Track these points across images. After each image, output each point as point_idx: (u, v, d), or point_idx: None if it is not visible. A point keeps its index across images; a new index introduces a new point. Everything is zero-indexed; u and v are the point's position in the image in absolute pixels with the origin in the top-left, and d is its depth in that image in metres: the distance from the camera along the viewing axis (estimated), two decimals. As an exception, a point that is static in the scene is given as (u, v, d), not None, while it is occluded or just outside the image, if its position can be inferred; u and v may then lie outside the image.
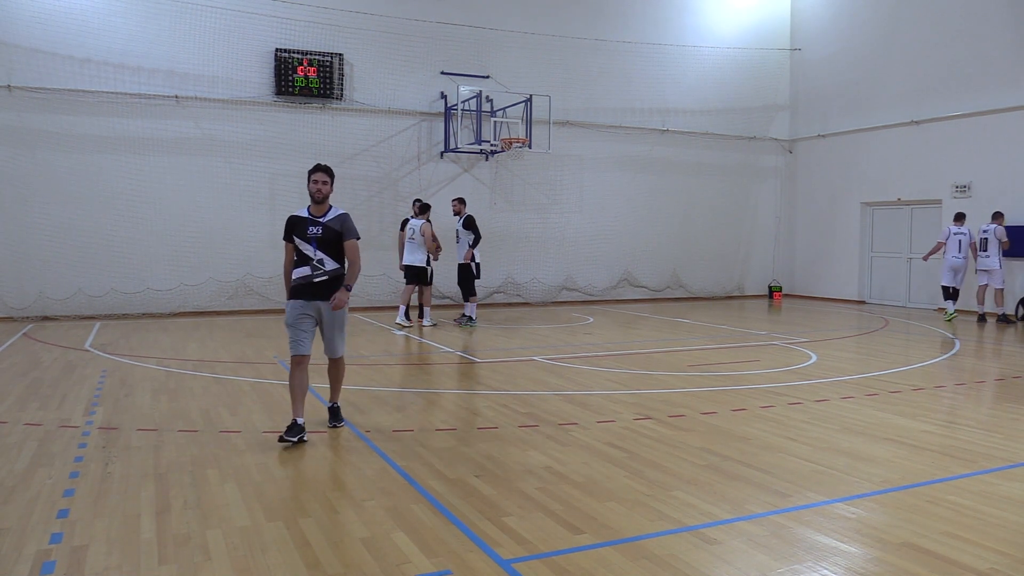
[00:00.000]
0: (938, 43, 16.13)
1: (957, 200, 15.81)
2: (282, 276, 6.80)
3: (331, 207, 5.90)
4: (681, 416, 6.56)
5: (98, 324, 13.17)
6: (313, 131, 15.22)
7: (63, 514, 4.22)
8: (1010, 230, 14.37)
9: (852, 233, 18.28)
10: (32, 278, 13.56)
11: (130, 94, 14.02)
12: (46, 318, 13.58)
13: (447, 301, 16.14)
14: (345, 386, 8.04)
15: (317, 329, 5.92)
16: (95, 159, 13.90)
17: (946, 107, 15.98)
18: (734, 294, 19.56)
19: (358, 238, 5.94)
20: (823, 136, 18.94)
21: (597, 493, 4.59)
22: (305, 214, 5.85)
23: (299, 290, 5.78)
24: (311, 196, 5.80)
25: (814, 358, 9.79)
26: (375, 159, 15.86)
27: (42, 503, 4.39)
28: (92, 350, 10.26)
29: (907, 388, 7.85)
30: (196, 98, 14.43)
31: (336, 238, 5.79)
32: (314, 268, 5.75)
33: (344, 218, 5.88)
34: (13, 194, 13.43)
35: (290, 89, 14.92)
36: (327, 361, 6.15)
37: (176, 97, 14.31)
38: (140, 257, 14.18)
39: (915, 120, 16.57)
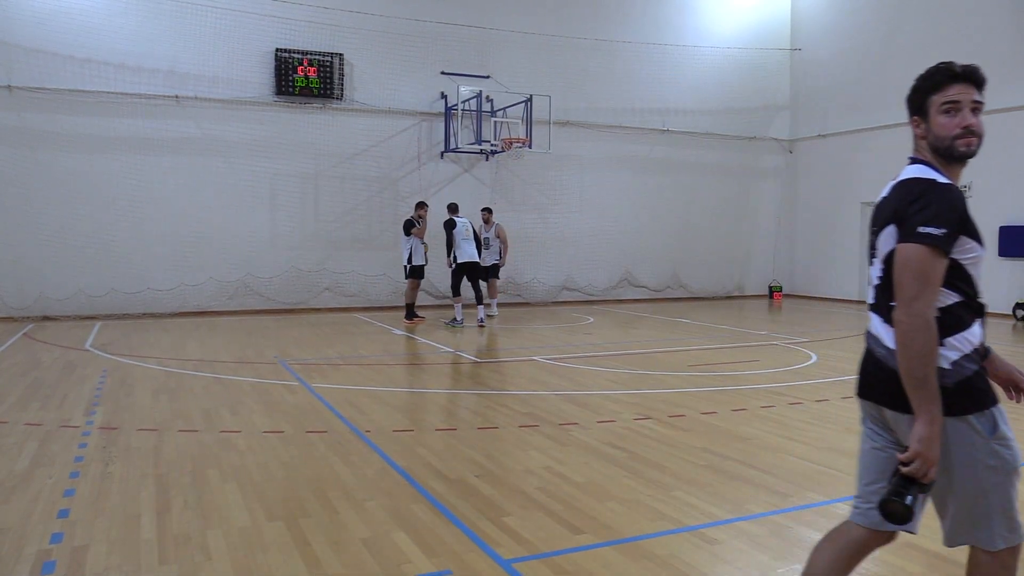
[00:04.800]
0: (938, 43, 16.09)
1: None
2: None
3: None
4: (681, 416, 6.56)
5: (98, 324, 13.17)
6: (313, 131, 15.23)
7: (63, 514, 4.21)
8: (1011, 230, 14.36)
9: (852, 233, 18.26)
10: (32, 278, 13.56)
11: (130, 94, 14.01)
12: (46, 318, 13.58)
13: (445, 301, 16.13)
14: (345, 386, 8.09)
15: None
16: (95, 159, 13.90)
17: (946, 107, 15.93)
18: (734, 294, 19.55)
19: None
20: (823, 136, 18.94)
21: (597, 493, 4.58)
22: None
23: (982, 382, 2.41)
24: (952, 145, 2.33)
25: (814, 358, 9.79)
26: (375, 159, 15.85)
27: (42, 503, 4.38)
28: (92, 350, 10.26)
29: (907, 388, 7.83)
30: (196, 98, 14.43)
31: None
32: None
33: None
34: (13, 194, 13.42)
35: (290, 89, 14.91)
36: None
37: (176, 97, 14.31)
38: (140, 257, 14.18)
39: (915, 120, 16.53)
